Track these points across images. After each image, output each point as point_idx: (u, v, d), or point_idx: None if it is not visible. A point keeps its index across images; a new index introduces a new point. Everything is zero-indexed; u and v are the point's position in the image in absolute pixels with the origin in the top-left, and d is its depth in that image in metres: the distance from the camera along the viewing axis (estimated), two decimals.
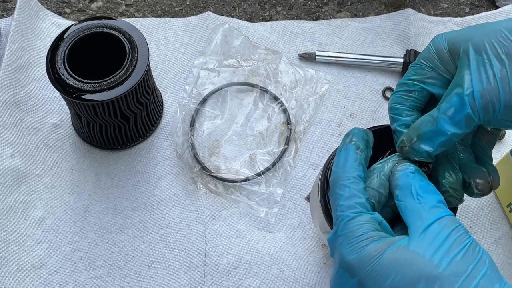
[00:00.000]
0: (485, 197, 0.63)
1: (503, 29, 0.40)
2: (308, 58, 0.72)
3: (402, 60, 0.71)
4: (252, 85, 0.69)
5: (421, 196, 0.40)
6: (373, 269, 0.38)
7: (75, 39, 0.60)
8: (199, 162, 0.64)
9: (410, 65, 0.46)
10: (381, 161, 0.45)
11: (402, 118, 0.45)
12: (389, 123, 0.46)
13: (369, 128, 0.49)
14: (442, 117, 0.41)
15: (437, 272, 0.37)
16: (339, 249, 0.41)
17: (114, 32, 0.61)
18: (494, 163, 0.64)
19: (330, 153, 0.66)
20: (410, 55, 0.70)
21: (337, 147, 0.51)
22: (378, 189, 0.43)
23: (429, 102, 0.46)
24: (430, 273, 0.37)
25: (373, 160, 0.46)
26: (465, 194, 0.45)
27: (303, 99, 0.68)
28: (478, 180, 0.45)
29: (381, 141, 0.47)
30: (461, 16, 0.77)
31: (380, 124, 0.53)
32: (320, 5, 0.79)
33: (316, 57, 0.72)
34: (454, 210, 0.47)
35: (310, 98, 0.68)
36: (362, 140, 0.44)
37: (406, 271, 0.38)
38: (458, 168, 0.45)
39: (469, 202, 0.63)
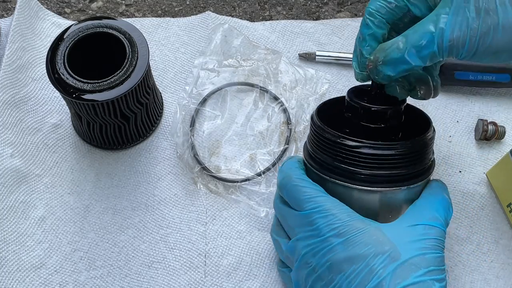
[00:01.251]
0: (485, 197, 0.63)
1: None
2: (308, 58, 0.72)
3: None
4: (252, 85, 0.69)
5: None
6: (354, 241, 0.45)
7: (75, 39, 0.60)
8: (199, 162, 0.64)
9: None
10: None
11: (373, 27, 0.49)
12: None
13: (325, 101, 0.57)
14: (410, 49, 0.45)
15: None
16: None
17: (114, 32, 0.61)
18: (493, 163, 0.64)
19: None
20: None
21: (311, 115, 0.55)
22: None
23: (403, 19, 0.50)
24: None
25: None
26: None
27: (303, 99, 0.68)
28: (422, 86, 0.51)
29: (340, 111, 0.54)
30: None
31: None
32: (320, 5, 0.79)
33: (316, 57, 0.72)
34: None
35: (310, 97, 0.68)
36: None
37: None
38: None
39: (469, 202, 0.63)
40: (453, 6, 0.44)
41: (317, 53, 0.72)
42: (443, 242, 0.47)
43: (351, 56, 0.72)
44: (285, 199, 0.51)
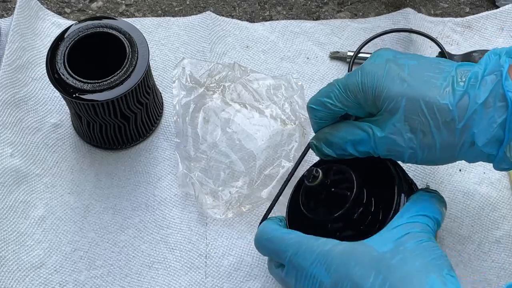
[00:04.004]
0: (485, 197, 0.63)
1: (423, 103, 0.45)
2: (339, 58, 0.72)
3: None
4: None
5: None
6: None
7: (75, 39, 0.60)
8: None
9: (333, 86, 0.50)
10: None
11: (322, 125, 0.53)
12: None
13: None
14: (349, 142, 0.49)
15: (380, 254, 0.43)
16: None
17: (114, 32, 0.61)
18: None
19: None
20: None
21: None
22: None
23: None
24: (373, 257, 0.43)
25: None
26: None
27: (290, 100, 0.67)
28: None
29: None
30: (461, 16, 0.77)
31: None
32: (320, 5, 0.79)
33: (347, 58, 0.72)
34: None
35: (294, 96, 0.67)
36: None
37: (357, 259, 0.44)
38: None
39: (470, 202, 0.63)
40: (391, 124, 0.47)
41: (348, 53, 0.72)
42: (430, 232, 0.46)
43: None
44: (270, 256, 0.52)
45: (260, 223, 0.54)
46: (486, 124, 0.44)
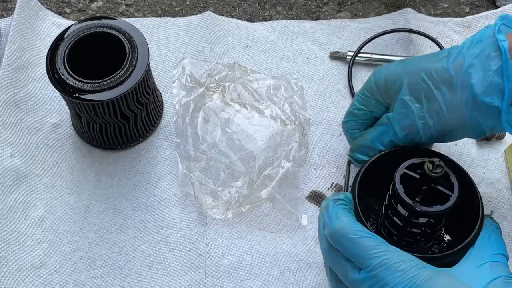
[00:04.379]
0: (485, 197, 0.63)
1: (422, 72, 0.49)
2: (339, 58, 0.72)
3: None
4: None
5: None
6: None
7: (75, 39, 0.60)
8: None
9: (356, 95, 0.57)
10: None
11: (356, 137, 0.57)
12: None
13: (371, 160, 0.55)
14: (375, 138, 0.54)
15: None
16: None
17: (114, 32, 0.61)
18: (493, 163, 0.64)
19: (330, 152, 0.67)
20: None
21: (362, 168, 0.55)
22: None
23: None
24: None
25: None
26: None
27: (290, 100, 0.67)
28: None
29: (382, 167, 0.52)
30: (461, 16, 0.77)
31: None
32: (320, 5, 0.79)
33: (347, 57, 0.72)
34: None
35: (294, 96, 0.67)
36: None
37: None
38: None
39: None
40: (399, 100, 0.51)
41: (348, 53, 0.72)
42: (511, 277, 0.46)
43: (383, 56, 0.72)
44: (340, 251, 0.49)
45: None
46: (482, 74, 0.46)
